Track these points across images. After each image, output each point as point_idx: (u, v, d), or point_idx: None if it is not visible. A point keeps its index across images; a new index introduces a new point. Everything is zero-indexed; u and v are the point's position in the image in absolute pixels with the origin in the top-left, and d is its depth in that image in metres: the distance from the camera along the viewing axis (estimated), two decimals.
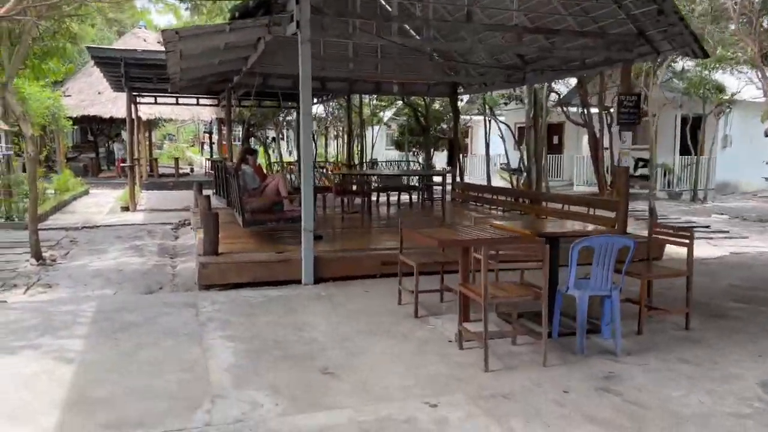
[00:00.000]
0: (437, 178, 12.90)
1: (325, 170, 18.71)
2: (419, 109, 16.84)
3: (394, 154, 32.19)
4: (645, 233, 6.22)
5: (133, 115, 20.86)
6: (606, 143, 17.48)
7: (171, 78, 9.53)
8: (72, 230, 11.44)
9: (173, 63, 8.33)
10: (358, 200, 10.57)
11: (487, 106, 19.17)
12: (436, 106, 18.19)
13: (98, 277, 7.55)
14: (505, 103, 19.58)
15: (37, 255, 8.25)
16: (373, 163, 19.27)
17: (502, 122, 20.94)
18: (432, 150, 21.26)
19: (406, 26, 9.57)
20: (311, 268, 6.41)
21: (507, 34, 8.73)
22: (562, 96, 19.78)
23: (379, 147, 28.57)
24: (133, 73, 13.44)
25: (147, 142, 23.32)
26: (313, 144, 27.97)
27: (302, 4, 6.03)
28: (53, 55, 10.89)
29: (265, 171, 12.29)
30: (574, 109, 19.81)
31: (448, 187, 12.93)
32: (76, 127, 30.75)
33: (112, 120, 23.48)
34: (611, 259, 4.39)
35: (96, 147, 29.19)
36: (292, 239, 7.77)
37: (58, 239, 10.38)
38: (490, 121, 20.62)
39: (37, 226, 8.23)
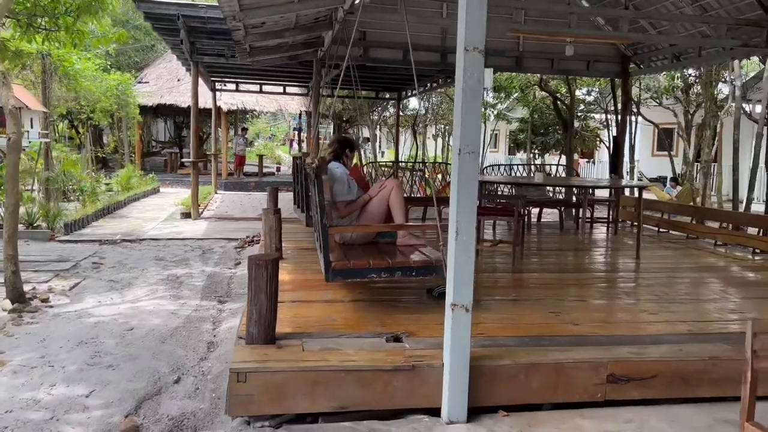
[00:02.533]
0: (601, 191, 9.15)
1: (421, 174, 15.31)
2: (560, 97, 12.99)
3: (499, 157, 28.40)
4: None
5: (201, 104, 18.45)
6: None
7: (233, 34, 6.42)
8: (107, 244, 8.66)
9: (227, 4, 5.17)
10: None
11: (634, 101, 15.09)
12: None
13: (87, 345, 4.48)
14: (657, 100, 15.27)
15: (15, 294, 5.33)
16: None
17: (651, 121, 16.73)
18: (562, 151, 17.30)
19: None
20: (465, 390, 2.97)
21: None
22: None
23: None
24: (202, 45, 10.62)
25: (227, 136, 20.85)
26: (415, 142, 24.72)
27: None
28: (91, 12, 8.09)
29: (364, 174, 9.05)
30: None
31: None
32: (160, 119, 29.32)
33: (199, 112, 21.12)
34: None
35: (180, 141, 27.35)
36: (413, 300, 4.36)
37: (80, 258, 7.57)
38: (636, 120, 16.48)
39: (15, 250, 5.30)
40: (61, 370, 3.99)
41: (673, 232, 8.57)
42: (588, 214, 8.67)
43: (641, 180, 17.74)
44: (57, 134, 23.27)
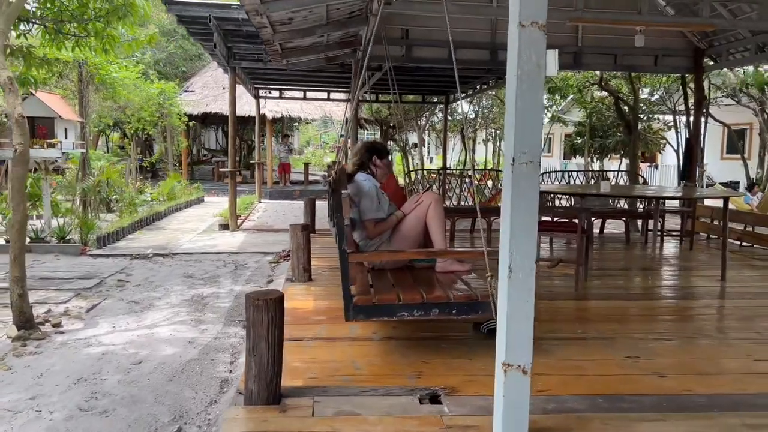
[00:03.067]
0: (673, 202, 8.15)
1: (470, 180, 14.53)
2: (621, 95, 11.95)
3: (553, 162, 27.22)
4: None
5: (246, 112, 18.26)
6: None
7: (260, 33, 5.88)
8: (138, 258, 8.27)
9: None
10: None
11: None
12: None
13: (86, 384, 3.97)
14: (735, 98, 13.94)
15: (22, 319, 4.89)
16: None
17: (721, 122, 15.40)
18: (620, 155, 16.15)
19: None
20: None
21: None
22: None
23: None
24: (239, 50, 10.21)
25: (271, 144, 20.57)
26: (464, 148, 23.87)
27: None
28: (120, 15, 7.75)
29: (401, 184, 8.39)
30: None
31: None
32: (210, 128, 29.48)
33: (245, 120, 20.93)
34: None
35: (227, 149, 27.31)
36: (456, 338, 3.64)
37: (107, 275, 7.18)
38: (706, 120, 15.17)
39: (22, 272, 4.87)
40: (47, 417, 3.47)
41: (758, 247, 7.53)
42: (658, 226, 7.71)
43: (711, 185, 16.39)
44: (110, 144, 23.64)
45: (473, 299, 3.06)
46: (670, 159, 19.54)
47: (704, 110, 14.52)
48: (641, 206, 8.86)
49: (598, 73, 11.87)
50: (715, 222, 8.38)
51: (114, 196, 12.39)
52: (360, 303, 2.99)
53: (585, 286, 5.10)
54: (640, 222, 8.86)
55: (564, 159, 26.54)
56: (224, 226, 10.87)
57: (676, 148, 13.11)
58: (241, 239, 9.96)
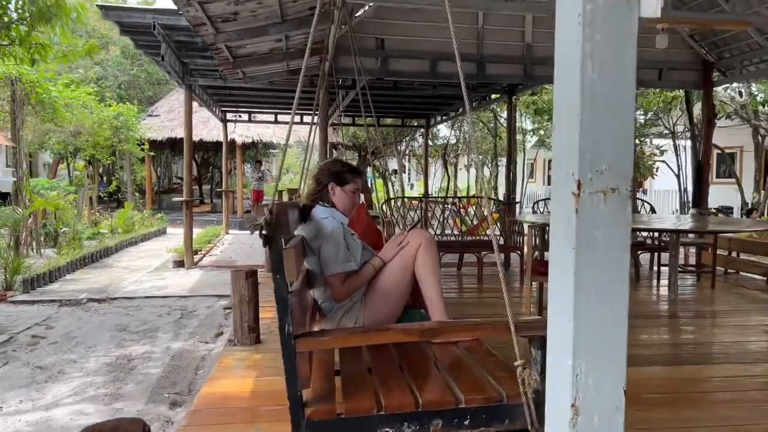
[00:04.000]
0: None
1: (456, 208, 13.53)
2: None
3: (537, 188, 26.55)
4: None
5: (214, 137, 17.31)
6: None
7: (199, 32, 4.81)
8: (68, 305, 7.02)
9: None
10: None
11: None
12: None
13: None
14: (743, 116, 13.17)
15: None
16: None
17: (715, 145, 14.61)
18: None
19: None
20: None
21: None
22: None
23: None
24: (196, 65, 9.14)
25: (242, 171, 19.45)
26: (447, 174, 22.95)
27: None
28: (47, 17, 6.66)
29: (375, 213, 7.31)
30: None
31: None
32: (180, 155, 28.24)
33: (217, 146, 19.77)
34: None
35: (199, 178, 26.09)
36: None
37: (22, 328, 5.93)
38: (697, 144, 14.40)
39: None
40: None
41: None
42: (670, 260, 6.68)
43: (705, 214, 15.53)
44: (74, 173, 22.24)
45: (496, 401, 1.91)
46: (660, 184, 18.79)
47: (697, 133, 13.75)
48: (648, 237, 7.89)
49: None
50: (733, 254, 7.43)
51: (63, 230, 11.14)
52: (316, 418, 1.85)
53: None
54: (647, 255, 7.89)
55: (548, 185, 25.81)
56: (179, 263, 9.64)
57: (676, 173, 12.24)
58: (195, 278, 8.74)
